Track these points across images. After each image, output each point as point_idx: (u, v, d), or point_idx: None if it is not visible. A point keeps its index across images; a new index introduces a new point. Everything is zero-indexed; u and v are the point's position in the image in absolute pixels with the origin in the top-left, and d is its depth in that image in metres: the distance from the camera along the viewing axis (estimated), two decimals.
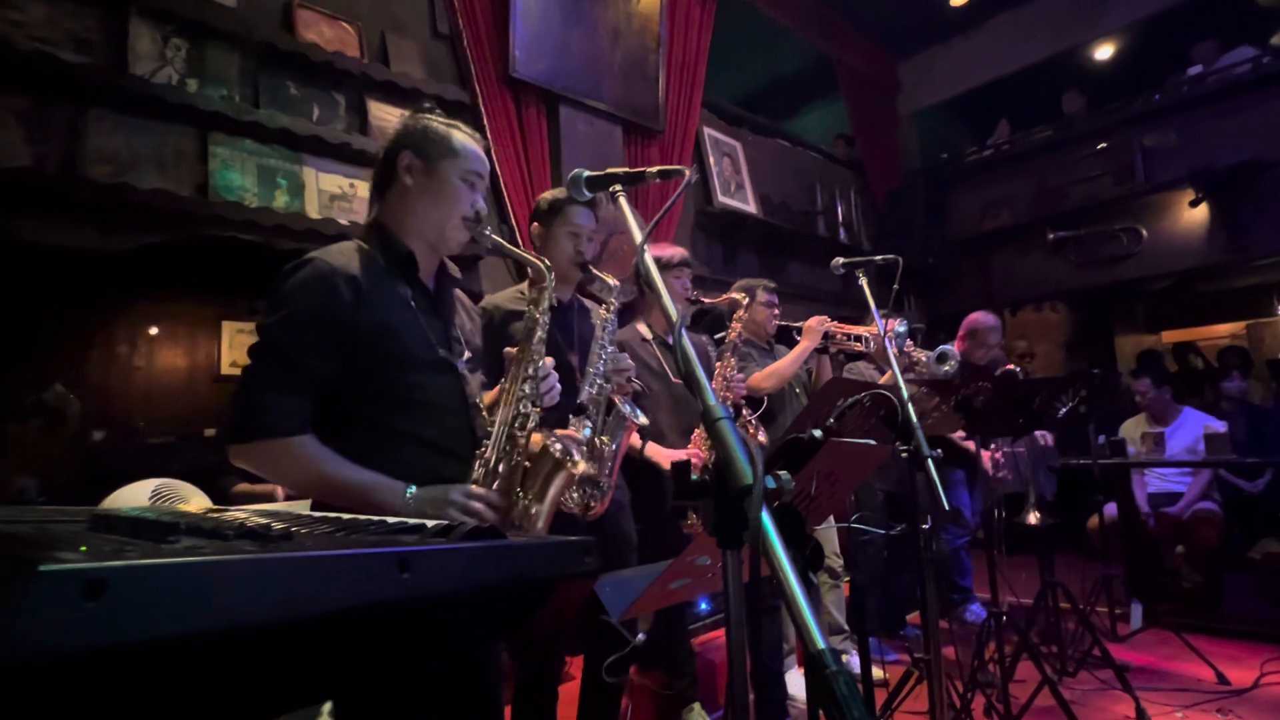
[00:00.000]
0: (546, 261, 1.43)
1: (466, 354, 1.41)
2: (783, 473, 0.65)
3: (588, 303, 2.17)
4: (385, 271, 1.29)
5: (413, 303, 1.31)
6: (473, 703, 1.24)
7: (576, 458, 1.33)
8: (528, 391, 1.32)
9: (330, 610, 0.49)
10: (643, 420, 1.65)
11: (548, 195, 2.11)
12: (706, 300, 2.55)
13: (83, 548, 0.50)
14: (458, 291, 1.51)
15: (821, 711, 0.50)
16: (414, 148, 1.34)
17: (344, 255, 1.26)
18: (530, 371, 1.34)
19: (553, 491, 1.30)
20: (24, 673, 0.40)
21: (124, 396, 4.21)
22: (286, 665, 0.51)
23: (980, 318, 3.75)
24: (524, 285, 2.11)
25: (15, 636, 0.38)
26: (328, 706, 2.32)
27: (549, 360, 1.39)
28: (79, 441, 3.70)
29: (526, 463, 1.29)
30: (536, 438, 1.34)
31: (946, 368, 3.26)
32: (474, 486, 1.22)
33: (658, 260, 2.49)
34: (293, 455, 1.15)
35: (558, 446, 1.32)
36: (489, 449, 1.27)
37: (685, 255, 2.56)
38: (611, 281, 1.91)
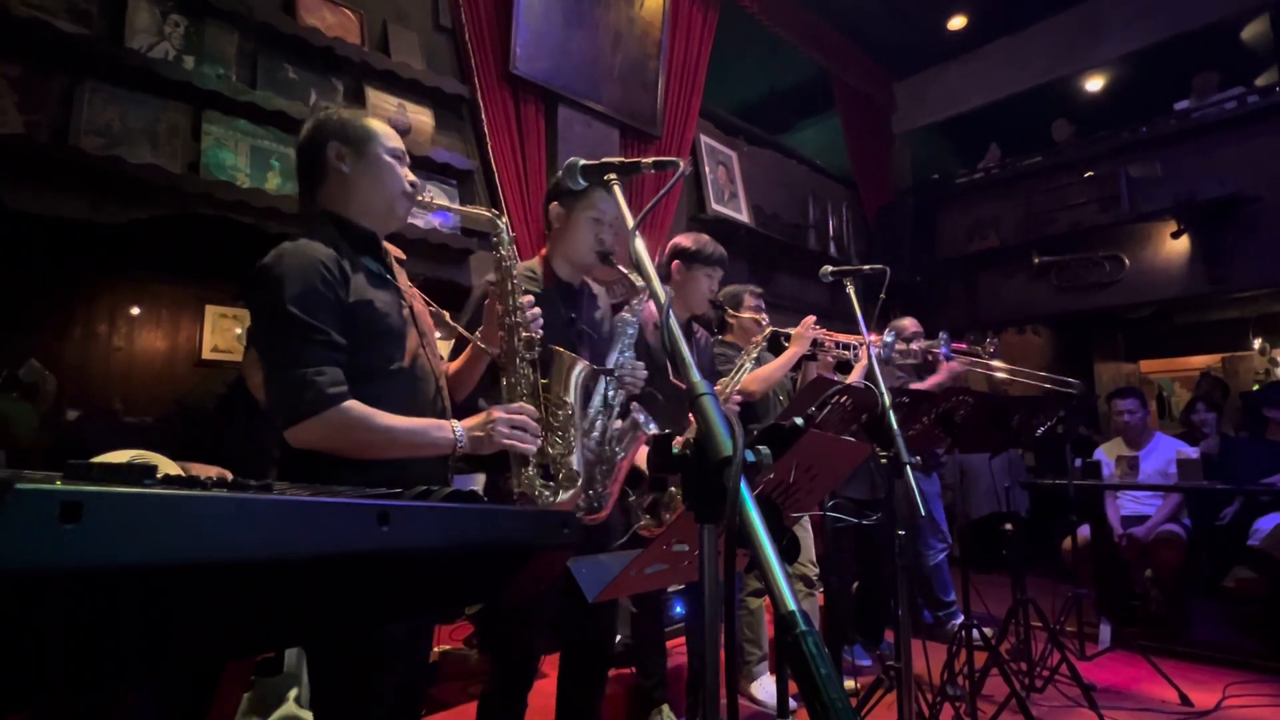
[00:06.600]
0: (494, 210, 1.53)
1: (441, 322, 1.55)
2: (762, 447, 0.66)
3: (595, 286, 2.05)
4: (351, 253, 1.35)
5: (381, 278, 1.39)
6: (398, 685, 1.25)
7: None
8: (521, 321, 1.49)
9: (309, 555, 0.50)
10: (654, 431, 1.59)
11: None
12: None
13: (58, 481, 0.50)
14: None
15: (791, 672, 0.50)
16: (338, 137, 1.38)
17: (312, 245, 1.28)
18: (516, 315, 1.49)
19: None
20: (3, 590, 0.40)
21: (102, 376, 4.16)
22: (264, 606, 0.50)
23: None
24: (533, 262, 1.94)
25: None
26: (294, 693, 2.31)
27: (528, 298, 1.51)
28: (53, 419, 3.64)
29: (543, 379, 1.52)
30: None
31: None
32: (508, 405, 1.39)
33: (686, 250, 2.45)
34: (351, 419, 1.20)
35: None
36: (511, 373, 1.46)
37: (723, 255, 2.47)
38: (636, 280, 1.76)
